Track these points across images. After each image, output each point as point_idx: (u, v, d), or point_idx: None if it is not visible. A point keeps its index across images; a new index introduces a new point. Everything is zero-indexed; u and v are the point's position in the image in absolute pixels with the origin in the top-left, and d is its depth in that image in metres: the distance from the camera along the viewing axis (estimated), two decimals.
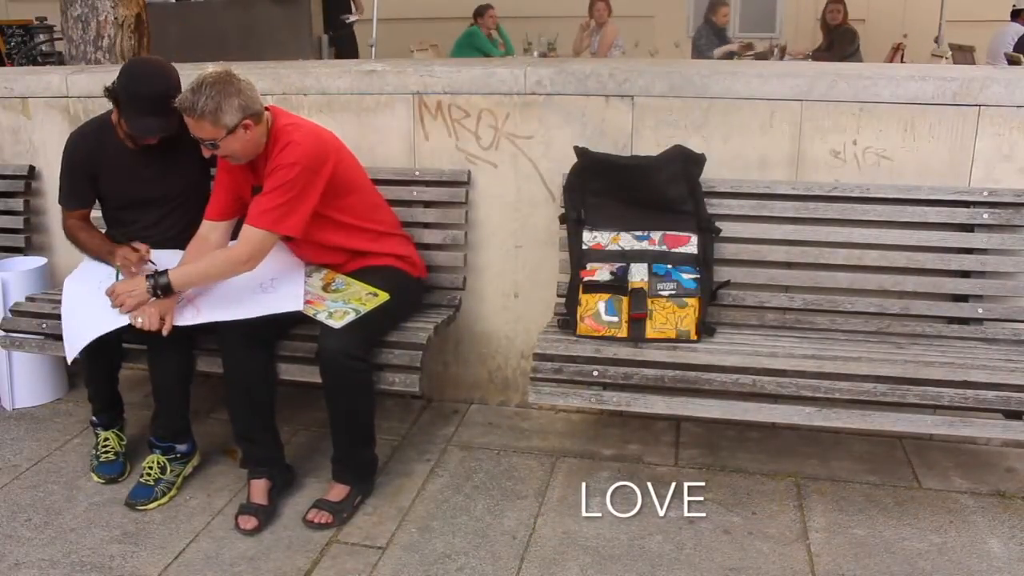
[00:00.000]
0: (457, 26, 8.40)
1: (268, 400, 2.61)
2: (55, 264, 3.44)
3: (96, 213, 2.92)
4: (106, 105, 2.75)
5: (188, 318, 2.55)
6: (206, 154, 2.50)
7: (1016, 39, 7.22)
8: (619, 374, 2.46)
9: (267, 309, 2.55)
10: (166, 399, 2.68)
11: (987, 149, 2.73)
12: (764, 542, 2.43)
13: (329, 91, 3.13)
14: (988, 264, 2.72)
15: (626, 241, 2.75)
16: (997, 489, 2.68)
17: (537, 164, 3.02)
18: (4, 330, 2.89)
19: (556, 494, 2.68)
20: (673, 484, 2.71)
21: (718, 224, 2.78)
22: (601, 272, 2.69)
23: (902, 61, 7.80)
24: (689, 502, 2.62)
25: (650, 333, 2.58)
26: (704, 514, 2.56)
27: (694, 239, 2.73)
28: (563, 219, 2.86)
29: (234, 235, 2.68)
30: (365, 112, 3.11)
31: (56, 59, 8.04)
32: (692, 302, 2.60)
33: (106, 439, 2.81)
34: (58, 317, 2.69)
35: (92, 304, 2.60)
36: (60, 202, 2.84)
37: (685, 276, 2.65)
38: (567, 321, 2.71)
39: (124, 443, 2.86)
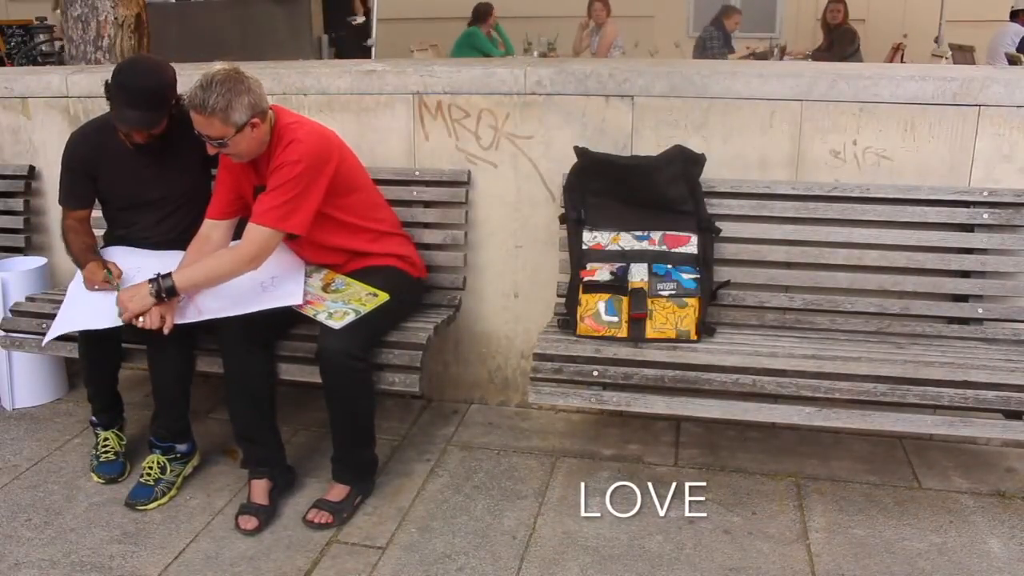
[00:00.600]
0: (457, 26, 8.40)
1: (268, 400, 2.61)
2: (55, 264, 3.44)
3: (97, 213, 2.93)
4: (106, 104, 2.75)
5: (190, 316, 2.55)
6: (211, 152, 2.48)
7: (1017, 39, 7.22)
8: (619, 374, 2.46)
9: (267, 304, 2.55)
10: (166, 399, 2.69)
11: (987, 149, 2.73)
12: (764, 542, 2.43)
13: (329, 91, 3.13)
14: (988, 264, 2.72)
15: (626, 241, 2.75)
16: (997, 489, 2.68)
17: (537, 164, 3.02)
18: (4, 330, 2.89)
19: (556, 494, 2.68)
20: (673, 484, 2.71)
21: (718, 224, 2.78)
22: (601, 272, 2.69)
23: (902, 61, 7.80)
24: (689, 502, 2.62)
25: (650, 333, 2.58)
26: (704, 514, 2.56)
27: (694, 239, 2.73)
28: (563, 219, 2.86)
29: (237, 235, 2.68)
30: (365, 112, 3.11)
31: (56, 59, 8.04)
32: (692, 302, 2.60)
33: (106, 439, 2.81)
34: None
35: (94, 299, 2.61)
36: (60, 202, 2.84)
37: (685, 276, 2.65)
38: (567, 321, 2.71)
39: (124, 443, 2.86)
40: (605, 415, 3.15)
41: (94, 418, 2.86)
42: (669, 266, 2.67)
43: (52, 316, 2.74)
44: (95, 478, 2.76)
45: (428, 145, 3.09)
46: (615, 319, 2.60)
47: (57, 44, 7.82)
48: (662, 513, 2.57)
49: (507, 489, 2.71)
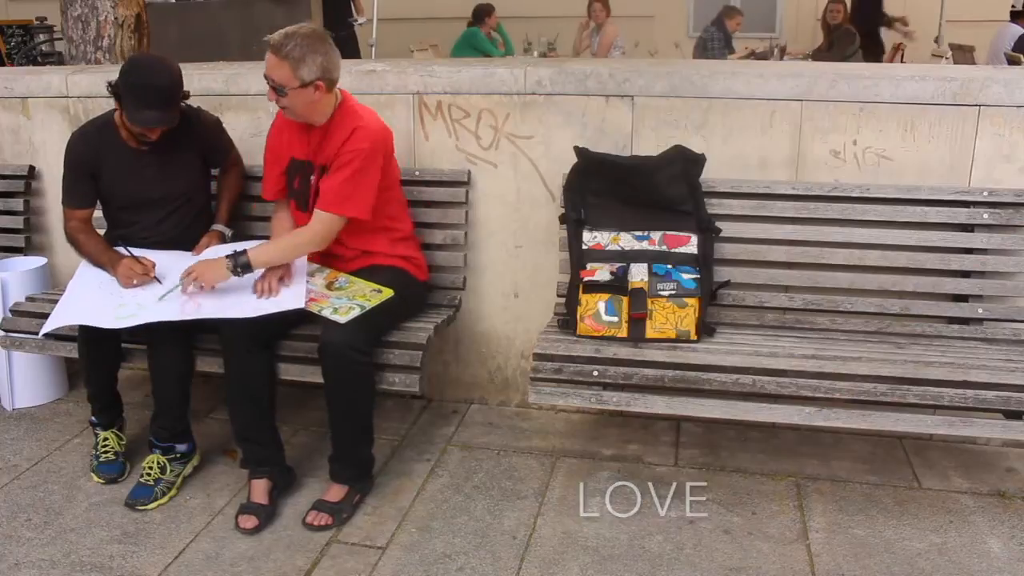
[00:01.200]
0: (457, 26, 8.40)
1: (269, 400, 2.61)
2: (55, 264, 3.44)
3: (97, 212, 2.93)
4: (107, 104, 2.76)
5: (189, 313, 2.55)
6: (271, 98, 2.53)
7: (1015, 39, 7.22)
8: (619, 374, 2.46)
9: (268, 309, 2.55)
10: (166, 399, 2.68)
11: (987, 149, 2.73)
12: (764, 542, 2.43)
13: None
14: (988, 264, 2.72)
15: (626, 241, 2.75)
16: (997, 489, 2.68)
17: (537, 164, 3.02)
18: (4, 330, 2.89)
19: (556, 494, 2.68)
20: (673, 484, 2.71)
21: (718, 224, 2.78)
22: (601, 272, 2.69)
23: (902, 61, 7.80)
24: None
25: (650, 333, 2.58)
26: (704, 514, 2.56)
27: (694, 239, 2.73)
28: (563, 219, 2.86)
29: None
30: None
31: (56, 59, 8.04)
32: (692, 302, 2.60)
33: (105, 439, 2.81)
34: None
35: (95, 296, 2.62)
36: (63, 202, 2.84)
37: (685, 276, 2.65)
38: (567, 321, 2.71)
39: (124, 443, 2.86)
40: (605, 415, 3.15)
41: (94, 418, 2.86)
42: (669, 266, 2.67)
43: None
44: (95, 478, 2.76)
45: (428, 145, 3.09)
46: (615, 319, 2.60)
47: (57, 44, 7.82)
48: (662, 513, 2.57)
49: (507, 489, 2.71)
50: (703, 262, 2.71)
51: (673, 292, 2.62)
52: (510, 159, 3.04)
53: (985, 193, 2.70)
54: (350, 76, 3.11)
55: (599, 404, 2.49)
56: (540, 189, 3.03)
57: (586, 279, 2.68)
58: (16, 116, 3.49)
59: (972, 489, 2.68)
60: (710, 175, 2.82)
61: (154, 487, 2.63)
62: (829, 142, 2.81)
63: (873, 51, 7.75)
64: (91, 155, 2.76)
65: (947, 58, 7.41)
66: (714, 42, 7.90)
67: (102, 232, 2.93)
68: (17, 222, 3.45)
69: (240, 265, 2.54)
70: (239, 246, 2.74)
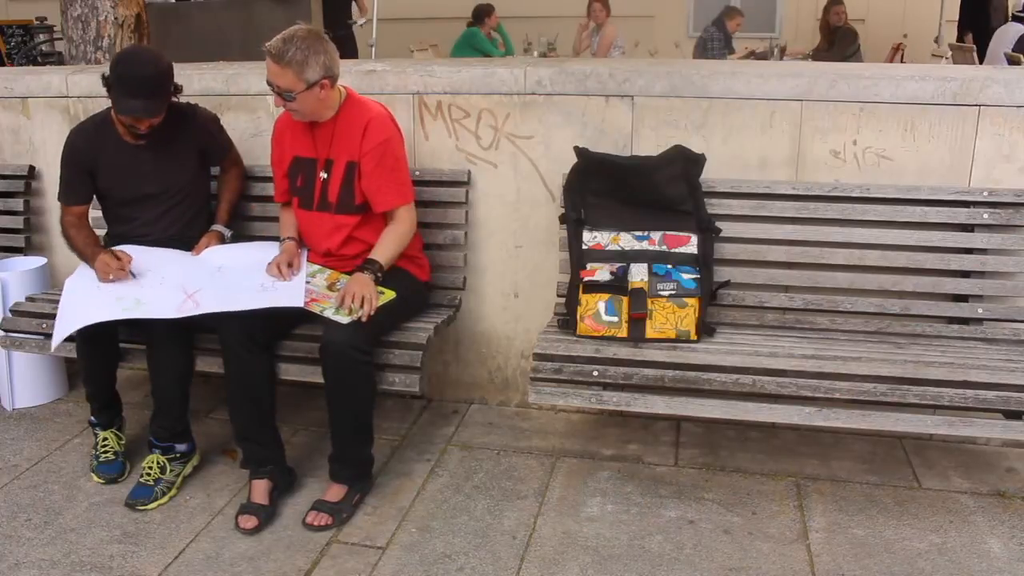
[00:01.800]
0: (457, 26, 8.40)
1: (269, 400, 2.61)
2: (55, 264, 3.44)
3: (97, 212, 2.93)
4: (106, 104, 2.76)
5: (187, 310, 2.55)
6: (278, 104, 2.56)
7: (1016, 40, 7.22)
8: (619, 374, 2.46)
9: (266, 303, 2.55)
10: (165, 399, 2.68)
11: (987, 149, 2.73)
12: (764, 542, 2.43)
13: None
14: (988, 264, 2.72)
15: (626, 241, 2.75)
16: (997, 489, 2.68)
17: (537, 164, 3.02)
18: (4, 330, 2.89)
19: (556, 494, 2.68)
20: (673, 484, 2.71)
21: (718, 224, 2.78)
22: (601, 272, 2.69)
23: (902, 61, 7.80)
24: (689, 502, 2.62)
25: (650, 333, 2.58)
26: (704, 514, 2.56)
27: (694, 239, 2.73)
28: (563, 219, 2.86)
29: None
30: None
31: (56, 59, 8.04)
32: (692, 302, 2.60)
33: (105, 439, 2.81)
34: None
35: (89, 295, 2.62)
36: (59, 198, 2.85)
37: (685, 276, 2.65)
38: (567, 321, 2.71)
39: (123, 443, 2.86)
40: (605, 415, 3.15)
41: (93, 418, 2.86)
42: (669, 266, 2.67)
43: (52, 316, 2.74)
44: (95, 478, 2.76)
45: (428, 145, 3.09)
46: (615, 319, 2.60)
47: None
48: (662, 513, 2.57)
49: (507, 489, 2.71)
50: (703, 262, 2.71)
51: (673, 292, 2.62)
52: (510, 159, 3.04)
53: (985, 193, 2.70)
54: (350, 76, 3.11)
55: (599, 404, 2.49)
56: (540, 189, 3.03)
57: (586, 279, 2.68)
58: (16, 116, 3.49)
59: (972, 489, 2.68)
60: (710, 175, 2.82)
61: (154, 487, 2.63)
62: (829, 142, 2.81)
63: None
64: (88, 151, 2.77)
65: (947, 58, 7.41)
66: (714, 42, 7.90)
67: (102, 232, 2.94)
68: (17, 222, 3.46)
69: (377, 271, 2.58)
70: (248, 246, 2.83)
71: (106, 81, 2.63)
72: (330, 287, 2.65)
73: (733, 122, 2.85)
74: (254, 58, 3.86)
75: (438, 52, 8.52)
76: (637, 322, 2.59)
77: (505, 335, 3.21)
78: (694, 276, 2.66)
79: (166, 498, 2.64)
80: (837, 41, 7.85)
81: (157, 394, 2.69)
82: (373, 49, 7.08)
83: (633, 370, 2.45)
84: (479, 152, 3.05)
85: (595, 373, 2.47)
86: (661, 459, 2.88)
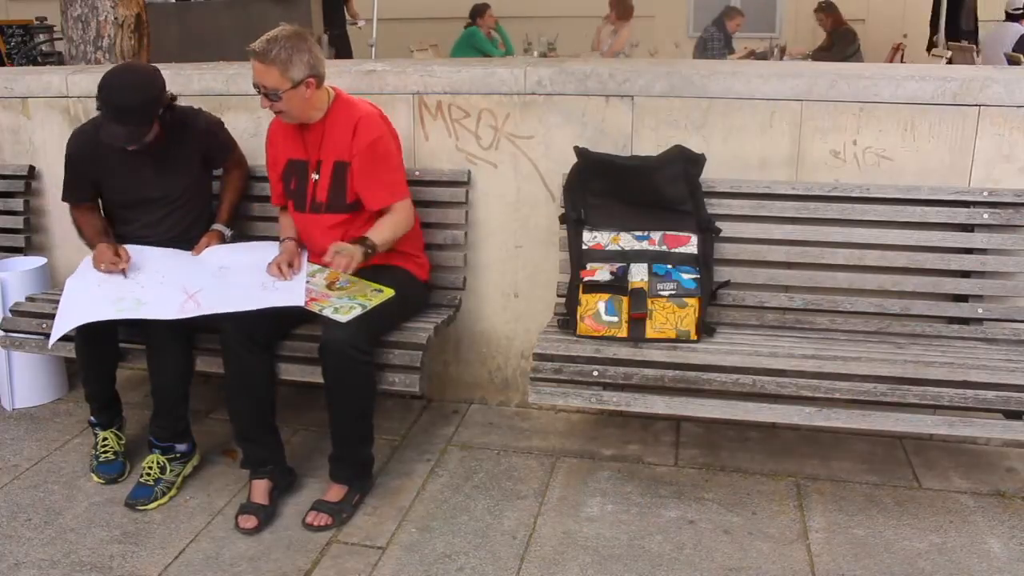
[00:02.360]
0: (457, 26, 8.40)
1: (268, 400, 2.61)
2: (55, 264, 3.44)
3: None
4: None
5: (189, 311, 2.55)
6: (264, 105, 2.57)
7: (1016, 39, 7.22)
8: (619, 374, 2.46)
9: (268, 303, 2.55)
10: (165, 399, 2.68)
11: (987, 149, 2.73)
12: (764, 542, 2.43)
13: None
14: (988, 264, 2.72)
15: (626, 241, 2.75)
16: (997, 489, 2.68)
17: (537, 164, 3.02)
18: (4, 330, 2.89)
19: (556, 494, 2.68)
20: (673, 484, 2.71)
21: (718, 224, 2.78)
22: (601, 272, 2.69)
23: (902, 61, 7.80)
24: (689, 502, 2.62)
25: (650, 333, 2.58)
26: (704, 514, 2.56)
27: (694, 239, 2.73)
28: (563, 219, 2.86)
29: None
30: None
31: (56, 59, 8.05)
32: (692, 302, 2.60)
33: (105, 439, 2.81)
34: None
35: (90, 294, 2.62)
36: (63, 199, 2.87)
37: (685, 276, 2.65)
38: (567, 321, 2.71)
39: (123, 443, 2.86)
40: (605, 415, 3.15)
41: (93, 418, 2.86)
42: (669, 266, 2.67)
43: (52, 316, 2.74)
44: (95, 478, 2.76)
45: (428, 145, 3.09)
46: (615, 319, 2.60)
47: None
48: (662, 513, 2.57)
49: (507, 489, 2.71)
50: (703, 262, 2.71)
51: (673, 292, 2.62)
52: (510, 159, 3.03)
53: (985, 193, 2.70)
54: (350, 76, 3.12)
55: (599, 404, 2.49)
56: (540, 189, 3.03)
57: (586, 279, 2.68)
58: (16, 116, 3.49)
59: (972, 489, 2.68)
60: (710, 175, 2.82)
61: (154, 487, 2.63)
62: (829, 142, 2.81)
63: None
64: (90, 153, 2.77)
65: (947, 58, 7.41)
66: (714, 42, 7.90)
67: None
68: (17, 222, 3.45)
69: (368, 247, 2.58)
70: (249, 246, 2.84)
71: (97, 96, 2.63)
72: (329, 286, 2.65)
73: (733, 122, 2.85)
74: None
75: (438, 52, 8.52)
76: (637, 322, 2.59)
77: (505, 335, 3.21)
78: (694, 276, 2.66)
79: (166, 498, 2.64)
80: (836, 41, 7.85)
81: (157, 394, 2.69)
82: (373, 49, 7.08)
83: (633, 370, 2.45)
84: (479, 152, 3.05)
85: (595, 373, 2.47)
86: (661, 459, 2.88)
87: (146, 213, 2.83)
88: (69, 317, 2.59)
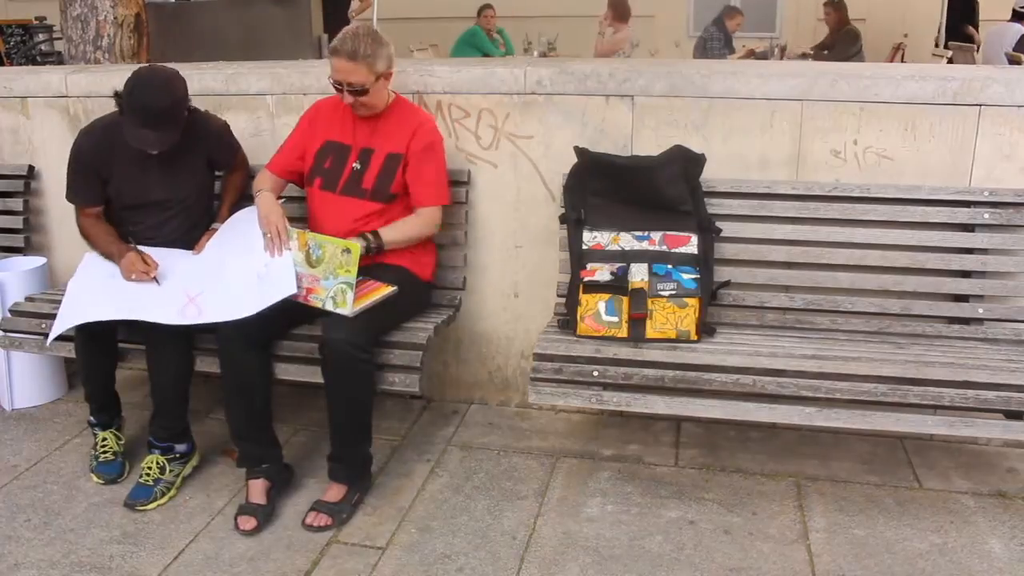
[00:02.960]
0: (457, 26, 8.40)
1: (265, 400, 2.61)
2: (55, 264, 3.44)
3: None
4: (106, 104, 2.76)
5: (190, 317, 2.55)
6: (348, 100, 2.62)
7: (1016, 39, 7.22)
8: (619, 374, 2.45)
9: (266, 301, 2.54)
10: (165, 399, 2.68)
11: (988, 149, 2.73)
12: (764, 542, 2.43)
13: (330, 91, 3.09)
14: (989, 264, 2.71)
15: (626, 241, 2.75)
16: (998, 489, 2.67)
17: (537, 164, 3.01)
18: (3, 330, 2.89)
19: (556, 494, 2.68)
20: (673, 484, 2.71)
21: (718, 224, 2.77)
22: (601, 272, 2.68)
23: (903, 61, 7.80)
24: (689, 502, 2.61)
25: (650, 333, 2.58)
26: (704, 514, 2.56)
27: (694, 239, 2.73)
28: (563, 219, 2.85)
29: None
30: None
31: (55, 59, 8.05)
32: (692, 302, 2.60)
33: (104, 439, 2.81)
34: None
35: (91, 295, 2.61)
36: (69, 199, 2.83)
37: (685, 276, 2.65)
38: (567, 321, 2.70)
39: (123, 443, 2.86)
40: (605, 415, 3.15)
41: (92, 418, 2.85)
42: (669, 266, 2.67)
43: (52, 316, 2.74)
44: (94, 478, 2.76)
45: None
46: (615, 319, 2.60)
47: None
48: (662, 513, 2.57)
49: (507, 489, 2.71)
50: (703, 262, 2.71)
51: (673, 292, 2.61)
52: (510, 159, 3.03)
53: (986, 193, 2.69)
54: None
55: (599, 404, 2.49)
56: (540, 189, 3.03)
57: (586, 279, 2.68)
58: (15, 116, 3.49)
59: (973, 489, 2.68)
60: (710, 175, 2.82)
61: (153, 487, 2.63)
62: (829, 142, 2.80)
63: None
64: (98, 156, 2.76)
65: (947, 58, 7.42)
66: (714, 42, 7.90)
67: None
68: (17, 222, 3.45)
69: (375, 246, 2.63)
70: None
71: (118, 101, 2.62)
72: (307, 260, 2.59)
73: (733, 122, 2.85)
74: (253, 58, 3.86)
75: (438, 52, 8.52)
76: (637, 322, 2.58)
77: (505, 335, 3.21)
78: (694, 276, 2.65)
79: (165, 499, 2.64)
80: (838, 42, 7.85)
81: (156, 394, 2.69)
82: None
83: (633, 370, 2.45)
84: (479, 152, 3.05)
85: (595, 373, 2.47)
86: (661, 459, 2.88)
87: (151, 216, 2.82)
88: (69, 316, 2.60)
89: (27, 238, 3.47)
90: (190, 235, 2.85)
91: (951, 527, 2.49)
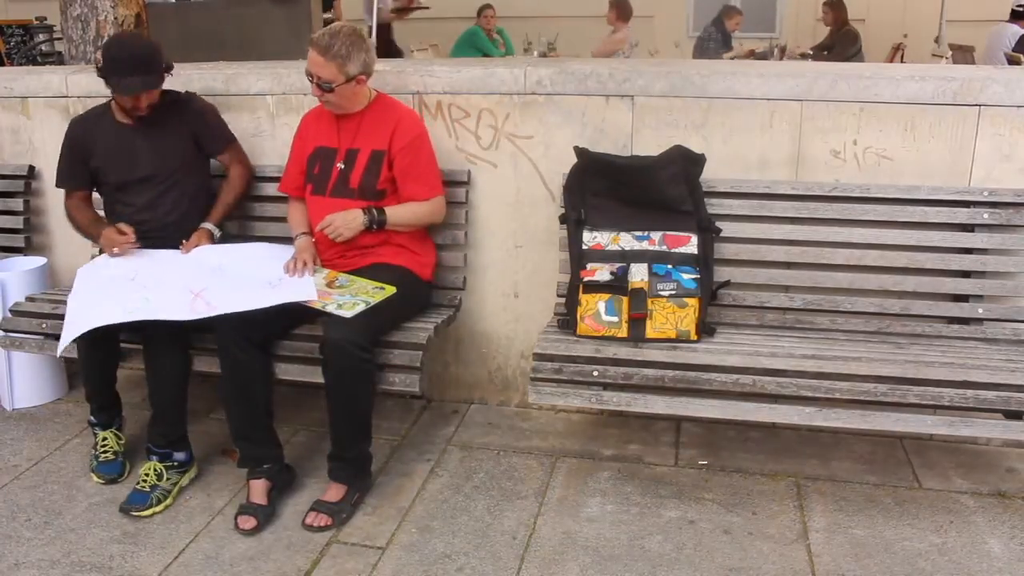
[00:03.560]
0: (457, 26, 8.40)
1: (265, 400, 2.61)
2: (55, 264, 3.44)
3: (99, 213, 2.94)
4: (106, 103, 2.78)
5: (200, 311, 2.53)
6: (316, 94, 2.66)
7: (1015, 40, 7.22)
8: (619, 374, 2.46)
9: (280, 299, 2.55)
10: (162, 403, 2.67)
11: (987, 149, 2.73)
12: (764, 542, 2.43)
13: None
14: (988, 264, 2.72)
15: (626, 241, 2.75)
16: (997, 489, 2.68)
17: (537, 164, 3.02)
18: (4, 330, 2.89)
19: (556, 494, 2.68)
20: (673, 484, 2.71)
21: (718, 224, 2.77)
22: (601, 272, 2.68)
23: (902, 61, 7.80)
24: (689, 502, 2.62)
25: (650, 333, 2.58)
26: (704, 514, 2.56)
27: (694, 239, 2.73)
28: (563, 219, 2.86)
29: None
30: None
31: (56, 59, 8.04)
32: (692, 302, 2.60)
33: (104, 439, 2.81)
34: (58, 317, 2.69)
35: (95, 297, 2.61)
36: (57, 184, 2.92)
37: (685, 276, 2.65)
38: (567, 321, 2.71)
39: (123, 442, 2.86)
40: (605, 415, 3.15)
41: (92, 418, 2.86)
42: (669, 266, 2.67)
43: (52, 316, 2.75)
44: (95, 478, 2.76)
45: None
46: (615, 319, 2.60)
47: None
48: (662, 513, 2.57)
49: (507, 489, 2.71)
50: (703, 262, 2.71)
51: (673, 292, 2.62)
52: (510, 159, 3.03)
53: (985, 193, 2.70)
54: None
55: (599, 404, 2.49)
56: (540, 189, 3.03)
57: (586, 279, 2.68)
58: (16, 116, 3.49)
59: (972, 489, 2.68)
60: (710, 175, 2.82)
61: (150, 494, 2.61)
62: (829, 142, 2.81)
63: None
64: (84, 137, 2.84)
65: (947, 58, 7.41)
66: (711, 43, 7.90)
67: None
68: (17, 222, 3.45)
69: (377, 222, 2.68)
70: (243, 247, 2.85)
71: (100, 70, 2.70)
72: (329, 284, 2.65)
73: (733, 122, 2.85)
74: (254, 58, 3.86)
75: (438, 52, 8.52)
76: (637, 322, 2.59)
77: (505, 335, 3.21)
78: (694, 276, 2.65)
79: (161, 506, 2.60)
80: (838, 42, 7.85)
81: (154, 399, 2.68)
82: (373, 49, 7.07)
83: (633, 370, 2.45)
84: (479, 152, 3.05)
85: (595, 373, 2.47)
86: (661, 459, 2.88)
87: (140, 194, 2.84)
88: (77, 323, 2.56)
89: (27, 238, 3.47)
90: (186, 220, 2.85)
91: (951, 527, 2.49)
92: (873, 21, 9.27)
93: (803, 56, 7.85)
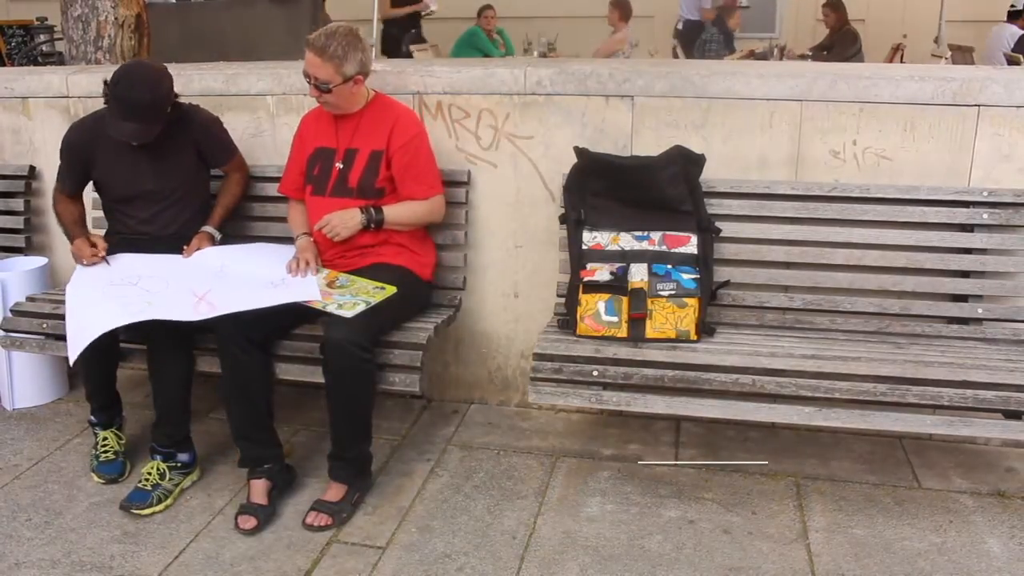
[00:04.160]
0: (457, 26, 8.40)
1: (265, 400, 2.61)
2: (55, 264, 3.44)
3: (99, 213, 2.94)
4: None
5: (203, 312, 2.53)
6: (314, 95, 2.67)
7: (1015, 40, 7.22)
8: (619, 374, 2.46)
9: (283, 299, 2.55)
10: (165, 404, 2.66)
11: (986, 149, 2.73)
12: (764, 542, 2.43)
13: None
14: (988, 264, 2.72)
15: (626, 241, 2.75)
16: (997, 489, 2.68)
17: (537, 164, 3.02)
18: (4, 330, 2.89)
19: (556, 494, 2.68)
20: (673, 484, 2.71)
21: (718, 224, 2.78)
22: (601, 272, 2.69)
23: (902, 61, 7.80)
24: (689, 502, 2.62)
25: (650, 333, 2.58)
26: (704, 514, 2.56)
27: (694, 239, 2.73)
28: (563, 219, 2.86)
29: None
30: None
31: (56, 59, 8.04)
32: (692, 302, 2.60)
33: (105, 438, 2.81)
34: (59, 317, 2.70)
35: (96, 302, 2.60)
36: (56, 187, 2.93)
37: (685, 276, 2.65)
38: (567, 321, 2.71)
39: (123, 442, 2.86)
40: (605, 415, 3.15)
41: (93, 417, 2.86)
42: (669, 266, 2.68)
43: (53, 316, 2.75)
44: (95, 478, 2.76)
45: None
46: (615, 319, 2.60)
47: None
48: (662, 513, 2.57)
49: (507, 489, 2.71)
50: (703, 262, 2.72)
51: (673, 292, 2.62)
52: (510, 159, 3.04)
53: (984, 193, 2.70)
54: None
55: (599, 404, 2.49)
56: (540, 189, 3.03)
57: (586, 279, 2.68)
58: (16, 116, 3.49)
59: (972, 489, 2.68)
60: (710, 175, 2.82)
61: (151, 492, 2.61)
62: (829, 142, 2.81)
63: None
64: (85, 145, 2.82)
65: (946, 59, 7.41)
66: (711, 44, 7.90)
67: (103, 232, 2.95)
68: (17, 222, 3.46)
69: (375, 221, 2.70)
70: (244, 248, 2.84)
71: (105, 93, 2.66)
72: (329, 284, 2.65)
73: (733, 122, 2.85)
74: (254, 58, 3.86)
75: (438, 52, 8.52)
76: (637, 322, 2.59)
77: (505, 335, 3.21)
78: (694, 276, 2.66)
79: (161, 506, 2.60)
80: (837, 43, 7.85)
81: (158, 400, 2.67)
82: (373, 49, 7.07)
83: (633, 370, 2.45)
84: (479, 152, 3.05)
85: (595, 373, 2.47)
86: (661, 459, 2.88)
87: (143, 208, 2.84)
88: (85, 330, 2.53)
89: (28, 238, 3.47)
90: (186, 230, 2.85)
91: (950, 526, 2.49)
92: (873, 21, 9.27)
93: (803, 57, 7.85)
